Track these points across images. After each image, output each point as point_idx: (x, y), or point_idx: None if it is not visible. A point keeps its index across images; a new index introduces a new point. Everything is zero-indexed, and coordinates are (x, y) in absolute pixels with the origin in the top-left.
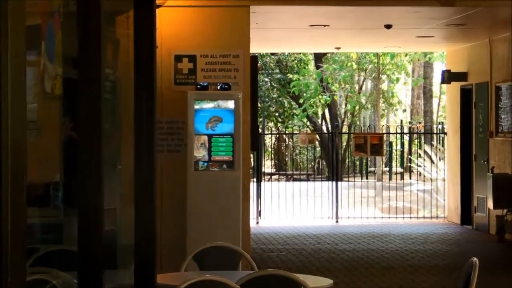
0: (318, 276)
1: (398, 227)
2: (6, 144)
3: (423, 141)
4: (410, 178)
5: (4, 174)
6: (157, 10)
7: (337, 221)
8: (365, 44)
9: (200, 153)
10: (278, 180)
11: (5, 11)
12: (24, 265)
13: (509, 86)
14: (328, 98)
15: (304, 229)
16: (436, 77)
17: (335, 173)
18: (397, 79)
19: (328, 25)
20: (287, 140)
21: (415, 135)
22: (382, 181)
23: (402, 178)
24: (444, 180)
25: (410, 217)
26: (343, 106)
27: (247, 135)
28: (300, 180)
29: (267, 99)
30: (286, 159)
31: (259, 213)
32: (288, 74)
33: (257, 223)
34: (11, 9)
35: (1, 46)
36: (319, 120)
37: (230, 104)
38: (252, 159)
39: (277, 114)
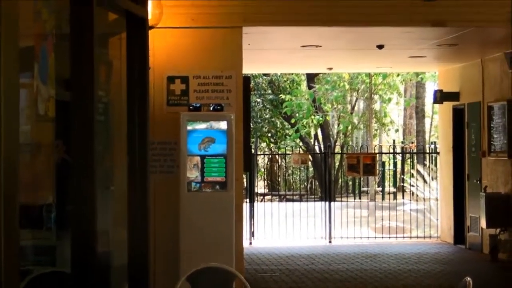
0: None
1: (391, 247)
2: None
3: (415, 160)
4: (403, 198)
5: None
6: (150, 32)
7: (330, 241)
8: (357, 64)
9: (193, 174)
10: (271, 200)
11: None
12: (18, 287)
13: (501, 106)
14: (320, 119)
15: (297, 249)
16: (428, 97)
17: (328, 193)
18: (389, 99)
19: (320, 46)
20: (279, 160)
21: (407, 155)
22: (375, 201)
23: (395, 197)
24: (437, 199)
25: (403, 237)
26: (336, 126)
27: (240, 155)
28: (293, 200)
29: (259, 120)
30: (279, 179)
31: (252, 234)
32: (281, 95)
33: (250, 243)
34: (4, 32)
35: None
36: (312, 141)
37: (223, 125)
38: (245, 180)
39: (269, 134)
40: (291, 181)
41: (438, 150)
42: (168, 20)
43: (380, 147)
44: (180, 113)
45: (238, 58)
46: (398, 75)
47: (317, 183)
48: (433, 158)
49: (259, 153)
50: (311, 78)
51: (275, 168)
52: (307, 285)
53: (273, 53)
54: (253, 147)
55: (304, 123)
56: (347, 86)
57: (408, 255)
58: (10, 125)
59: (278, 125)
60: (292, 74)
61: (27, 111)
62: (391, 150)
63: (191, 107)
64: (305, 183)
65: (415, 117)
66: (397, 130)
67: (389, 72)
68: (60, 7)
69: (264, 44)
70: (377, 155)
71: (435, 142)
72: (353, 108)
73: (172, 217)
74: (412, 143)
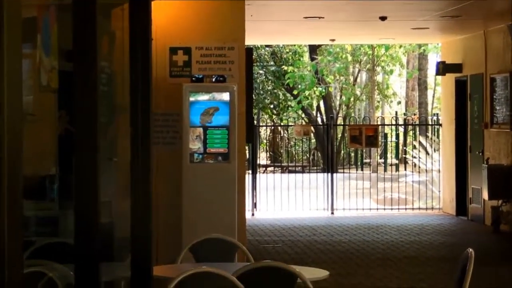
0: (314, 267)
1: (393, 218)
2: (3, 137)
3: (418, 132)
4: (405, 170)
5: (1, 167)
6: (152, 3)
7: (332, 213)
8: (359, 36)
9: (195, 145)
10: (273, 172)
11: (1, 3)
12: (21, 258)
13: (504, 78)
14: (323, 90)
15: (299, 221)
16: (431, 69)
17: (330, 165)
18: (392, 71)
19: (323, 17)
20: (282, 132)
21: (410, 127)
22: (377, 172)
23: (397, 169)
24: (439, 171)
25: (406, 209)
26: (338, 98)
27: (242, 127)
28: (295, 172)
29: (262, 91)
30: (281, 151)
31: (254, 205)
32: (283, 66)
33: (253, 215)
34: (7, 2)
35: None
36: (314, 112)
37: (225, 96)
38: (247, 151)
39: (272, 106)
40: (294, 152)
41: (440, 122)
42: None
43: (383, 118)
44: (182, 84)
45: (241, 29)
46: (400, 46)
47: (319, 155)
48: (436, 130)
49: (261, 124)
50: (314, 49)
51: (277, 139)
52: (309, 257)
53: (275, 25)
54: (255, 118)
55: (307, 94)
56: (349, 58)
57: (410, 226)
58: (13, 95)
59: (281, 97)
60: (295, 45)
61: (30, 81)
62: (394, 122)
63: (193, 78)
64: (308, 155)
65: (417, 88)
66: (399, 102)
67: (391, 44)
68: None
69: (267, 15)
70: (380, 126)
71: (437, 114)
72: (355, 79)
73: (175, 188)
74: (415, 115)
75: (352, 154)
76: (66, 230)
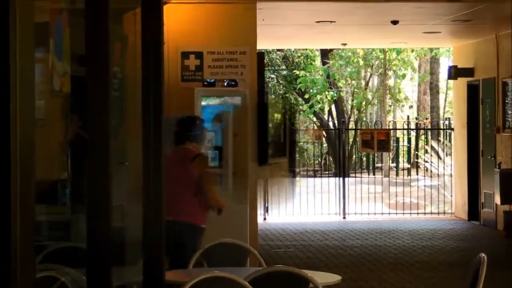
0: (326, 272)
1: (405, 223)
2: (15, 141)
3: (430, 137)
4: (417, 174)
5: (13, 171)
6: (164, 7)
7: (344, 217)
8: (371, 40)
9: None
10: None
11: (14, 8)
12: (34, 263)
13: None
14: (334, 94)
15: (311, 225)
16: (443, 73)
17: (342, 169)
18: (404, 75)
19: (335, 21)
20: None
21: (421, 131)
22: (389, 177)
23: (409, 174)
24: (451, 175)
25: (417, 213)
26: (350, 102)
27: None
28: (307, 176)
29: (273, 96)
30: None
31: (266, 209)
32: (295, 70)
33: (265, 219)
34: (20, 6)
35: (10, 43)
36: (326, 116)
37: (237, 101)
38: None
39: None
40: (305, 156)
41: (452, 126)
42: None
43: (394, 123)
44: (194, 89)
45: (252, 33)
46: (412, 50)
47: (331, 159)
48: (448, 134)
49: None
50: (325, 53)
51: None
52: (321, 261)
53: (287, 29)
54: None
55: (318, 98)
56: (361, 62)
57: (422, 231)
58: (26, 100)
59: (292, 101)
60: (306, 49)
61: (43, 86)
62: (405, 126)
63: (205, 83)
64: (319, 159)
65: (429, 93)
66: (411, 106)
67: (403, 48)
68: None
69: (278, 19)
70: (391, 131)
71: (449, 118)
72: (367, 84)
73: None
74: (427, 119)
75: (364, 159)
76: (78, 234)
